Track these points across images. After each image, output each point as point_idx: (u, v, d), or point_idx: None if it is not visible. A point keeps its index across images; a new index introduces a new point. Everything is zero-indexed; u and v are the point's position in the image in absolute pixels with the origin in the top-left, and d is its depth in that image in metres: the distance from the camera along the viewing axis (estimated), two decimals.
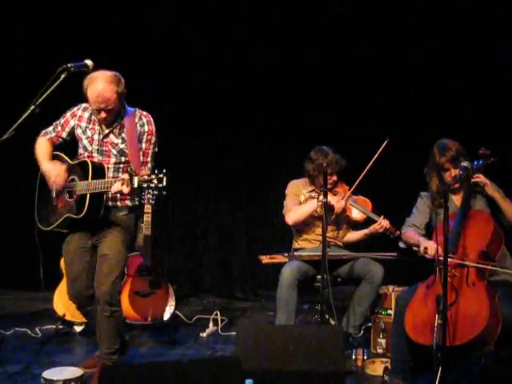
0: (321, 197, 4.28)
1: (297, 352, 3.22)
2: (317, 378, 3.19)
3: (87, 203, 3.71)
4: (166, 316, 5.01)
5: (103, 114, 3.73)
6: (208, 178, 6.49)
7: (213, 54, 6.15)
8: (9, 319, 5.31)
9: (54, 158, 3.96)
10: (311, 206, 4.63)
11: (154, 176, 3.47)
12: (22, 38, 6.09)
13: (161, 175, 3.47)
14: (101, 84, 3.65)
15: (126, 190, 3.55)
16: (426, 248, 3.95)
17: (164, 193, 3.49)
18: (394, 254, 4.43)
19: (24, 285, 6.20)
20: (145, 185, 3.49)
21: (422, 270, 4.13)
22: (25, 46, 6.09)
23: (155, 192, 3.51)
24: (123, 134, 3.83)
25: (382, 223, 4.50)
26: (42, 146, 3.95)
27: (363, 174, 4.55)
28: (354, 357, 4.38)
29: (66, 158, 3.94)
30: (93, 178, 3.71)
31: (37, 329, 4.98)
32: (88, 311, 4.00)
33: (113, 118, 3.80)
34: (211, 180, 6.50)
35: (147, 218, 4.88)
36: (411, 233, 4.18)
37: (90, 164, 3.76)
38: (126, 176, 3.56)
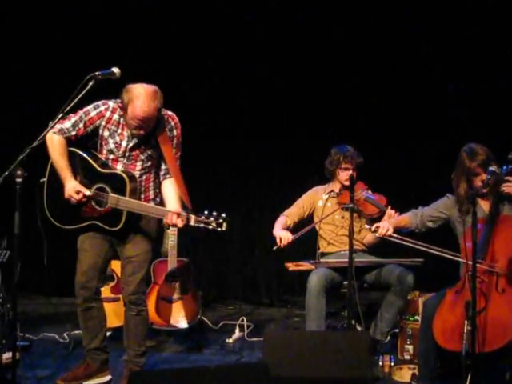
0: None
1: (324, 358, 3.21)
2: None
3: (124, 218, 3.68)
4: (192, 322, 5.02)
5: (142, 132, 3.68)
6: (232, 182, 6.48)
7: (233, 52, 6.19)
8: (37, 324, 5.35)
9: (71, 155, 3.81)
10: (281, 233, 4.64)
11: (212, 219, 3.48)
12: (49, 47, 6.17)
13: (220, 220, 3.48)
14: (145, 102, 3.56)
15: (180, 224, 3.58)
16: (377, 227, 4.13)
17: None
18: (421, 259, 4.41)
19: (52, 290, 6.28)
20: (201, 225, 3.51)
21: (448, 275, 4.11)
22: (52, 53, 6.17)
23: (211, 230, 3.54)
24: (152, 140, 3.78)
25: (390, 213, 4.47)
26: (60, 148, 3.75)
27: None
28: (380, 363, 4.35)
29: (91, 162, 3.80)
30: (130, 195, 3.67)
31: (65, 334, 5.02)
32: (89, 309, 3.92)
33: (149, 131, 3.73)
34: (235, 183, 6.49)
35: None
36: (402, 215, 4.28)
37: (126, 179, 3.69)
38: (182, 211, 3.57)
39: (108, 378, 3.96)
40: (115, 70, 3.56)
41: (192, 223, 3.54)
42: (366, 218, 4.77)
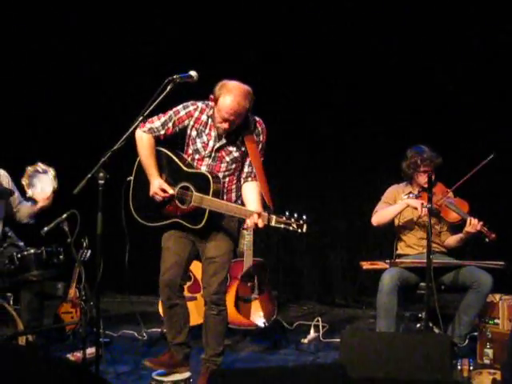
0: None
1: (403, 360, 3.17)
2: None
3: (206, 217, 3.73)
4: (268, 322, 5.05)
5: (226, 126, 3.73)
6: (307, 182, 6.48)
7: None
8: (117, 322, 5.53)
9: (158, 154, 3.88)
10: (395, 208, 4.63)
11: (293, 220, 3.49)
12: (127, 51, 6.34)
13: (300, 222, 3.49)
14: (237, 98, 3.63)
15: (261, 224, 3.59)
16: None
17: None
18: (502, 262, 4.30)
19: (130, 289, 6.42)
20: (282, 226, 3.52)
21: None
22: (130, 57, 6.34)
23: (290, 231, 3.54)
24: (239, 143, 3.84)
25: (473, 223, 4.38)
26: (148, 147, 3.85)
27: (463, 180, 4.51)
28: (459, 367, 4.27)
29: (177, 161, 3.86)
30: (213, 194, 3.72)
31: (143, 331, 5.14)
32: (173, 306, 3.96)
33: (233, 129, 3.79)
34: (310, 184, 6.49)
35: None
36: None
37: (210, 179, 3.74)
38: (263, 212, 3.58)
39: (188, 374, 4.02)
40: (193, 73, 3.63)
41: (273, 224, 3.54)
42: (447, 224, 4.69)
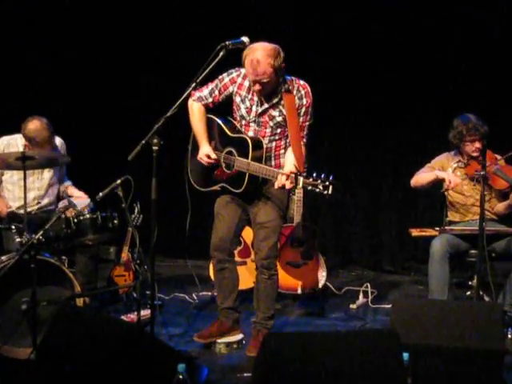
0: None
1: (454, 328, 3.17)
2: (474, 355, 3.13)
3: (246, 181, 3.82)
4: (316, 287, 5.10)
5: (257, 87, 3.74)
6: (357, 147, 6.43)
7: None
8: (168, 285, 5.61)
9: (209, 122, 4.03)
10: (427, 176, 4.58)
11: (319, 181, 3.43)
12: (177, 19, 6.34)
13: (327, 183, 3.42)
14: (258, 57, 3.64)
15: (288, 185, 3.61)
16: None
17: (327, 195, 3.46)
18: None
19: (183, 252, 6.52)
20: (309, 187, 3.48)
21: None
22: (181, 25, 6.32)
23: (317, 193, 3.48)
24: (281, 108, 3.85)
25: None
26: (198, 115, 3.99)
27: None
28: (509, 336, 4.26)
29: (223, 127, 3.98)
30: (252, 158, 3.78)
31: (193, 295, 5.24)
32: (222, 270, 4.07)
33: (268, 91, 3.79)
34: (360, 149, 6.44)
35: (299, 190, 4.96)
36: None
37: (250, 143, 3.81)
38: (291, 173, 3.57)
39: (240, 336, 4.12)
40: (245, 39, 3.65)
41: (300, 185, 3.51)
42: (495, 192, 4.62)
